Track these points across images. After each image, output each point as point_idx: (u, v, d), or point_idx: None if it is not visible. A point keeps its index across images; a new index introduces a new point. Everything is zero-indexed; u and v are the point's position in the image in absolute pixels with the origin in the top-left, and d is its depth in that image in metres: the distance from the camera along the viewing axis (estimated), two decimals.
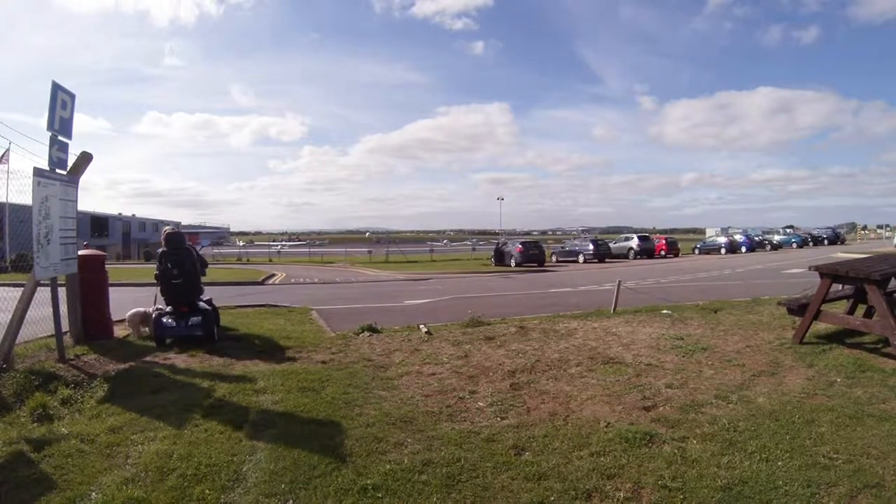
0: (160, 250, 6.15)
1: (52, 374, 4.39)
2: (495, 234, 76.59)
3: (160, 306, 6.19)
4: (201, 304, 6.27)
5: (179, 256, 6.03)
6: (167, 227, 6.53)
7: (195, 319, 5.86)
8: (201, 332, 5.83)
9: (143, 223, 58.25)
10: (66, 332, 5.27)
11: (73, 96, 5.33)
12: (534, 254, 25.19)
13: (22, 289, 4.70)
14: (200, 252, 6.95)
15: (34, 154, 5.08)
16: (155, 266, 6.31)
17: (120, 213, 53.95)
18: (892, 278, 5.15)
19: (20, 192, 4.92)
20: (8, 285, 5.27)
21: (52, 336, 5.13)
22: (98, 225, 44.31)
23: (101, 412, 3.64)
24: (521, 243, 26.04)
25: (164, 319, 5.84)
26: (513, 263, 24.60)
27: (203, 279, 6.48)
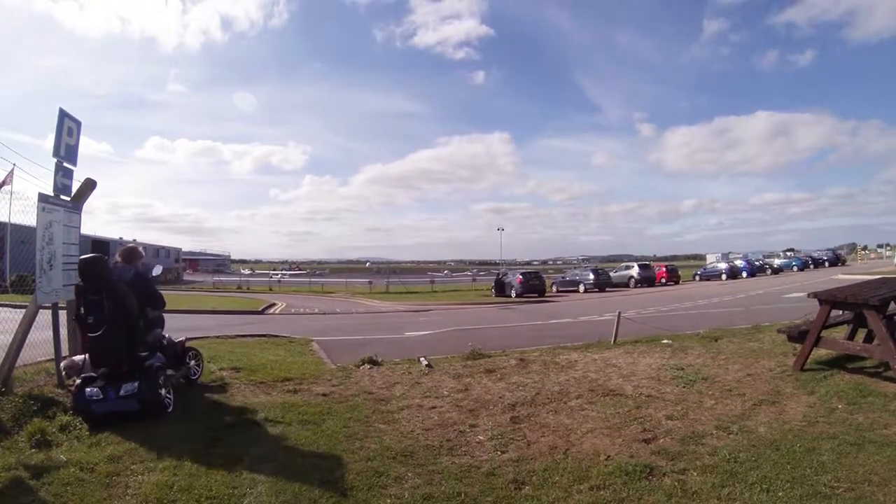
0: (76, 284, 4.37)
1: (51, 399, 4.38)
2: (496, 264, 76.75)
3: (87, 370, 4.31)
4: (155, 357, 4.54)
5: (98, 295, 4.16)
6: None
7: (129, 387, 4.09)
8: (137, 406, 4.08)
9: (143, 248, 58.25)
10: (65, 357, 5.23)
11: (78, 123, 5.38)
12: (534, 284, 25.26)
13: (22, 310, 4.73)
14: (155, 276, 5.22)
15: (36, 177, 5.17)
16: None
17: (121, 238, 54.15)
18: (892, 302, 5.19)
19: (22, 213, 5.00)
20: (7, 306, 5.27)
21: (51, 360, 5.12)
22: (99, 249, 44.18)
23: (100, 440, 3.63)
24: (522, 274, 26.15)
25: (88, 389, 4.07)
26: (513, 294, 24.62)
27: (159, 314, 4.81)
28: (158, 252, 62.42)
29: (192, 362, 5.49)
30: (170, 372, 4.80)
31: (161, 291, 4.83)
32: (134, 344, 4.31)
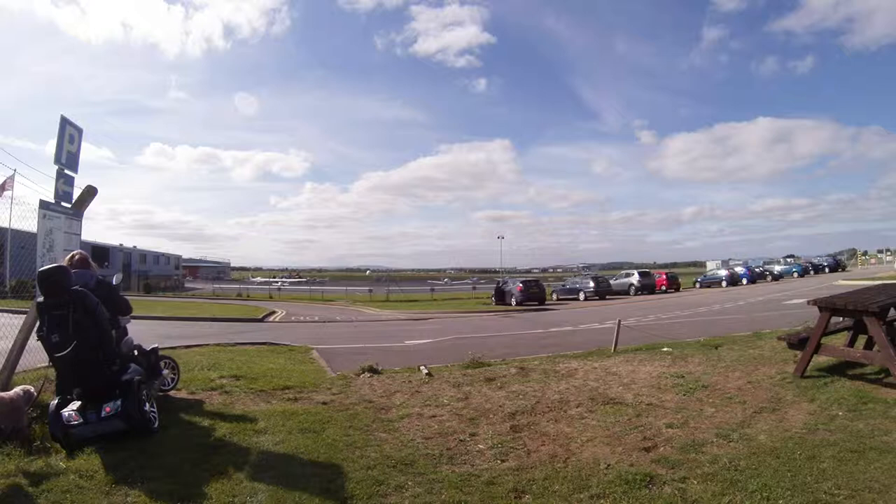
0: (37, 301, 3.93)
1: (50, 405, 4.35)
2: (496, 272, 76.80)
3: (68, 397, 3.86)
4: (131, 369, 4.13)
5: (63, 311, 3.71)
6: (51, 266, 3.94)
7: (113, 406, 3.76)
8: (123, 426, 3.76)
9: (143, 255, 58.55)
10: None
11: (80, 130, 5.40)
12: (534, 292, 25.24)
13: (22, 316, 4.72)
14: (117, 284, 4.67)
15: (36, 183, 5.20)
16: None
17: (121, 244, 54.31)
18: (892, 308, 5.19)
19: (22, 219, 5.03)
20: (7, 311, 5.27)
21: (50, 366, 5.09)
22: (99, 255, 44.46)
23: (99, 448, 3.60)
24: (522, 282, 26.13)
25: (65, 413, 3.70)
26: (513, 302, 24.60)
27: (126, 323, 4.46)
28: (158, 259, 62.42)
29: (167, 371, 5.17)
30: (155, 383, 4.66)
31: (127, 297, 4.57)
32: (110, 358, 3.94)
